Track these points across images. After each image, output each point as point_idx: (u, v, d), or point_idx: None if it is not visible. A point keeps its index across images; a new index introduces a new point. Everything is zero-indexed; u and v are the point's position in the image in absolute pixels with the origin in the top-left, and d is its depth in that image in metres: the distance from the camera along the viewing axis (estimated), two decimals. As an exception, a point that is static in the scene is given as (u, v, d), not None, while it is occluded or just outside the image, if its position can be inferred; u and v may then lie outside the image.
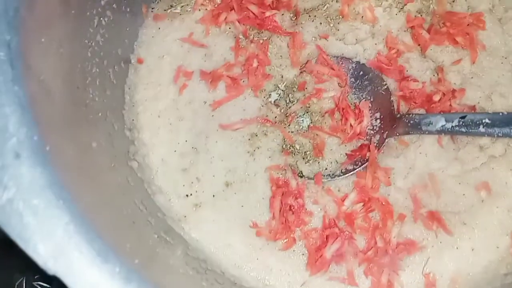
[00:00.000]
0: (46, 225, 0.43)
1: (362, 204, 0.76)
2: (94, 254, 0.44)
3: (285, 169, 0.78)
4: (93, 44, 0.70)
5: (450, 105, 0.75)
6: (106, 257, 0.44)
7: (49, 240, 0.43)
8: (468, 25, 0.80)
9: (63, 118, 0.56)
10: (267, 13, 0.81)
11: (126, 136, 0.80)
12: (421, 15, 0.83)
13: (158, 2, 0.88)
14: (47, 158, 0.46)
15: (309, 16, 0.83)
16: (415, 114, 0.75)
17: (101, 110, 0.72)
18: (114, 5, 0.75)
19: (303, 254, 0.76)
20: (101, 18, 0.72)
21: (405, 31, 0.83)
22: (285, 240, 0.76)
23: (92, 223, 0.46)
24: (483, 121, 0.66)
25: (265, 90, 0.82)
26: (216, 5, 0.85)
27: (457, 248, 0.74)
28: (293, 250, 0.76)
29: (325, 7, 0.84)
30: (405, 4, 0.83)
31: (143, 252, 0.58)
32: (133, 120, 0.82)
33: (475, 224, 0.75)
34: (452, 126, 0.69)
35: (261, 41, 0.82)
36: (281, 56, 0.83)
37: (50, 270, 0.42)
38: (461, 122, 0.68)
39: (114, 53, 0.78)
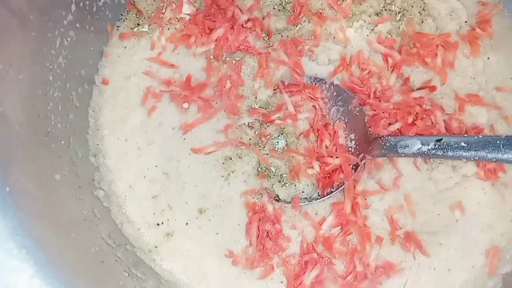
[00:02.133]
0: (7, 280, 0.38)
1: (340, 227, 0.75)
2: (63, 309, 0.39)
3: (261, 193, 0.76)
4: (55, 66, 0.66)
5: (426, 124, 0.76)
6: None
7: (10, 296, 0.38)
8: (437, 46, 0.81)
9: (24, 151, 0.51)
10: (241, 37, 0.79)
11: (91, 163, 0.75)
12: (391, 36, 0.83)
13: (124, 20, 0.84)
14: (7, 201, 0.41)
15: (282, 36, 0.82)
16: (391, 136, 0.75)
17: (63, 137, 0.67)
18: (77, 24, 0.70)
19: (281, 282, 0.73)
20: (64, 39, 0.68)
21: (376, 52, 0.83)
22: (262, 268, 0.73)
23: (59, 271, 0.42)
24: (460, 144, 0.67)
25: (238, 111, 0.79)
26: (185, 24, 0.82)
27: (434, 269, 0.74)
28: (271, 278, 0.73)
29: (297, 27, 0.82)
30: (376, 25, 0.83)
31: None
32: (98, 144, 0.77)
33: (450, 244, 0.75)
34: (428, 149, 0.69)
35: (233, 62, 0.80)
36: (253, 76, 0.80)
37: (12, 330, 0.38)
38: (437, 145, 0.68)
39: (77, 75, 0.74)
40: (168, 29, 0.82)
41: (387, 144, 0.73)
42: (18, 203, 0.43)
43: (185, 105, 0.77)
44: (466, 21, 0.84)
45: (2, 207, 0.41)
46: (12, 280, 0.38)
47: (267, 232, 0.74)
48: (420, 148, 0.70)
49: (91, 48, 0.78)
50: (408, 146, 0.71)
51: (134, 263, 0.67)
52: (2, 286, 0.38)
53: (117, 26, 0.83)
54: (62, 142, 0.65)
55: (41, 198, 0.51)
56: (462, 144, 0.66)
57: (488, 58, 0.82)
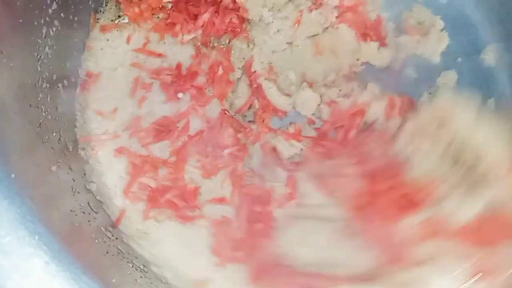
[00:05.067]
0: (22, 267, 0.36)
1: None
2: (83, 294, 0.38)
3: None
4: (42, 56, 0.63)
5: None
6: (97, 296, 0.38)
7: (28, 284, 0.36)
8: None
9: (22, 140, 0.49)
10: (227, 19, 0.78)
11: (81, 157, 0.73)
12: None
13: (103, 13, 0.81)
14: (14, 188, 0.40)
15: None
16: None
17: (54, 129, 0.65)
18: (61, 14, 0.68)
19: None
20: (49, 28, 0.65)
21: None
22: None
23: (73, 258, 0.40)
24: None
25: (229, 97, 0.79)
26: (168, 12, 0.81)
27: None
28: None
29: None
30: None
31: (127, 286, 0.52)
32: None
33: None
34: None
35: (222, 47, 0.79)
36: (243, 58, 0.80)
37: (30, 320, 0.36)
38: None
39: (63, 66, 0.71)
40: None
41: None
42: (24, 190, 0.41)
43: (180, 95, 0.76)
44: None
45: (9, 194, 0.39)
46: (28, 267, 0.37)
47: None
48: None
49: (75, 40, 0.75)
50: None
51: (135, 255, 0.65)
52: (18, 274, 0.36)
53: (97, 19, 0.81)
54: (54, 134, 0.63)
55: (42, 187, 0.49)
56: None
57: None
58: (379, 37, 0.80)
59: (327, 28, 0.79)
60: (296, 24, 0.77)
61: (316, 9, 0.78)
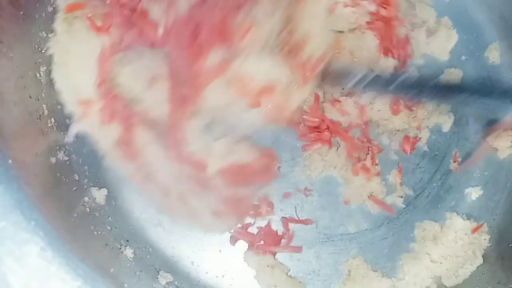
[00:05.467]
0: (18, 252, 0.35)
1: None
2: (80, 282, 0.37)
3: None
4: (42, 50, 0.63)
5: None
6: (94, 285, 0.37)
7: (22, 269, 0.35)
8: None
9: (21, 130, 0.48)
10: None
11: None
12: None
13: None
14: (11, 173, 0.39)
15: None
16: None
17: (53, 123, 0.64)
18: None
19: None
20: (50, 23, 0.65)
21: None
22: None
23: (70, 245, 0.39)
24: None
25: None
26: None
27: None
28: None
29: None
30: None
31: (126, 276, 0.51)
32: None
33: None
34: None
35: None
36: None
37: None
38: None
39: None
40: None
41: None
42: (21, 176, 0.40)
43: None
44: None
45: (6, 179, 0.38)
46: (23, 252, 0.36)
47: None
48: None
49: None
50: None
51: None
52: (13, 259, 0.35)
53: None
54: (54, 129, 0.62)
55: (40, 174, 0.48)
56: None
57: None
58: (400, 57, 0.78)
59: (354, 29, 0.77)
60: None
61: (351, 7, 0.76)
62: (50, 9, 0.64)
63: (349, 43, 0.75)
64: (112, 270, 0.45)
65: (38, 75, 0.60)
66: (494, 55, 0.83)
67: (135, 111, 0.63)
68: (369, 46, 0.76)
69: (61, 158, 0.59)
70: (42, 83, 0.61)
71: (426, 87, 0.73)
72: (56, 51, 0.62)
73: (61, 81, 0.62)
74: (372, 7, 0.75)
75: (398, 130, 0.78)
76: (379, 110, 0.75)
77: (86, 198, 0.59)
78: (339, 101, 0.74)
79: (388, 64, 0.76)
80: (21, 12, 0.56)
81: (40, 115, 0.58)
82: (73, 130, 0.61)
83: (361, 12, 0.75)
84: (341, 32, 0.76)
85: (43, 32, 0.62)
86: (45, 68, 0.62)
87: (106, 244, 0.54)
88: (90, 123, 0.61)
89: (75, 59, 0.63)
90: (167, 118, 0.62)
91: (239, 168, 0.65)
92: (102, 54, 0.62)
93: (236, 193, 0.66)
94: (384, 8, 0.75)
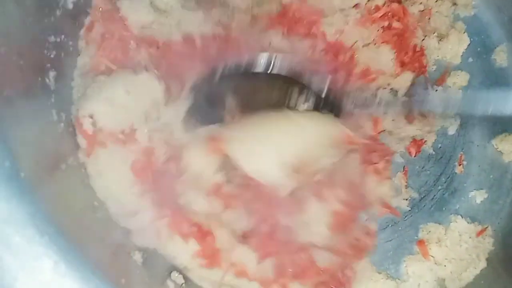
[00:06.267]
0: (32, 267, 0.36)
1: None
2: (93, 295, 0.37)
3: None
4: (51, 56, 0.63)
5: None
6: (107, 298, 0.38)
7: (35, 283, 0.36)
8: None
9: (32, 140, 0.49)
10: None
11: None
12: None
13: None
14: (23, 187, 0.39)
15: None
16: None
17: (64, 131, 0.64)
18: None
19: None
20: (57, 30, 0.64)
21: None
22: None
23: (83, 258, 0.40)
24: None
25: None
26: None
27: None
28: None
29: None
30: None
31: (136, 286, 0.52)
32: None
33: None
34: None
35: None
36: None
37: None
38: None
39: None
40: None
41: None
42: (34, 189, 0.41)
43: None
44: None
45: (19, 193, 0.39)
46: (37, 267, 0.37)
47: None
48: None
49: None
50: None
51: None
52: (27, 273, 0.36)
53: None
54: (64, 137, 0.63)
55: (51, 185, 0.48)
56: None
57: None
58: (415, 69, 0.77)
59: (368, 44, 0.75)
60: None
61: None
62: (58, 13, 0.64)
63: (364, 58, 0.74)
64: (123, 280, 0.46)
65: (45, 82, 0.59)
66: (501, 57, 0.83)
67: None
68: (385, 60, 0.75)
69: (69, 164, 0.59)
70: (51, 90, 0.61)
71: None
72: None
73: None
74: (385, 23, 0.74)
75: (412, 137, 0.78)
76: (393, 120, 0.75)
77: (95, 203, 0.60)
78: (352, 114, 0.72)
79: (406, 79, 0.75)
80: (30, 19, 0.56)
81: (50, 122, 0.58)
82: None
83: (373, 27, 0.74)
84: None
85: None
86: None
87: (116, 251, 0.55)
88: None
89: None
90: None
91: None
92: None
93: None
94: (398, 20, 0.74)
